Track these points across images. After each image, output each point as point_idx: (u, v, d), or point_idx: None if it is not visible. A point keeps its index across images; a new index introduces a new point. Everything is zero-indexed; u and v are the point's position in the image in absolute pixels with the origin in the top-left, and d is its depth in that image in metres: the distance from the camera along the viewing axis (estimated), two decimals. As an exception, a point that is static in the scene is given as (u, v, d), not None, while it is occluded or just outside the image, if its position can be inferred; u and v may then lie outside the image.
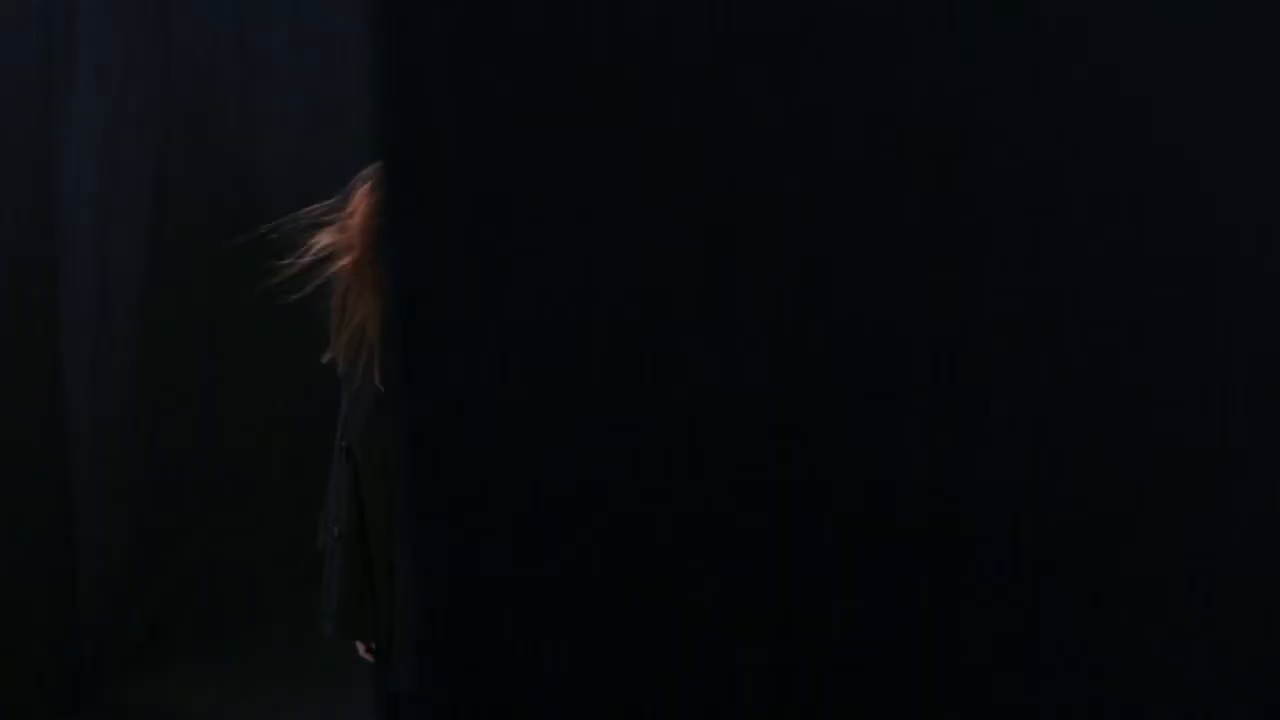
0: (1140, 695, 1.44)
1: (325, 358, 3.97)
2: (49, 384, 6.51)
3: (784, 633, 1.44)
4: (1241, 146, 1.42)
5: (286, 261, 3.95)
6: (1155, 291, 1.43)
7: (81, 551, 6.61)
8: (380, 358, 3.87)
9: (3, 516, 6.13)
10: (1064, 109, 1.42)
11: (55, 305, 6.55)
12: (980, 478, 1.43)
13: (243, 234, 6.41)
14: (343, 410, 3.99)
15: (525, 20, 1.42)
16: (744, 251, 1.43)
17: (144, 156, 6.67)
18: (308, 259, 3.93)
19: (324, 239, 3.93)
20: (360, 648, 4.07)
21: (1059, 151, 1.42)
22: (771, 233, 1.43)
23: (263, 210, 6.36)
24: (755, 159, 1.42)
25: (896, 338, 1.44)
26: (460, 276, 1.46)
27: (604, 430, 1.46)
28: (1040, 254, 1.42)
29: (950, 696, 1.44)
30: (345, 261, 3.91)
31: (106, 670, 6.64)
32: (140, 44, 6.61)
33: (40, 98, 6.45)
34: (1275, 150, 1.42)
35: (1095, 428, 1.43)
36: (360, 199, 3.90)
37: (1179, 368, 1.43)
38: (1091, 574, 1.43)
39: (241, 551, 6.64)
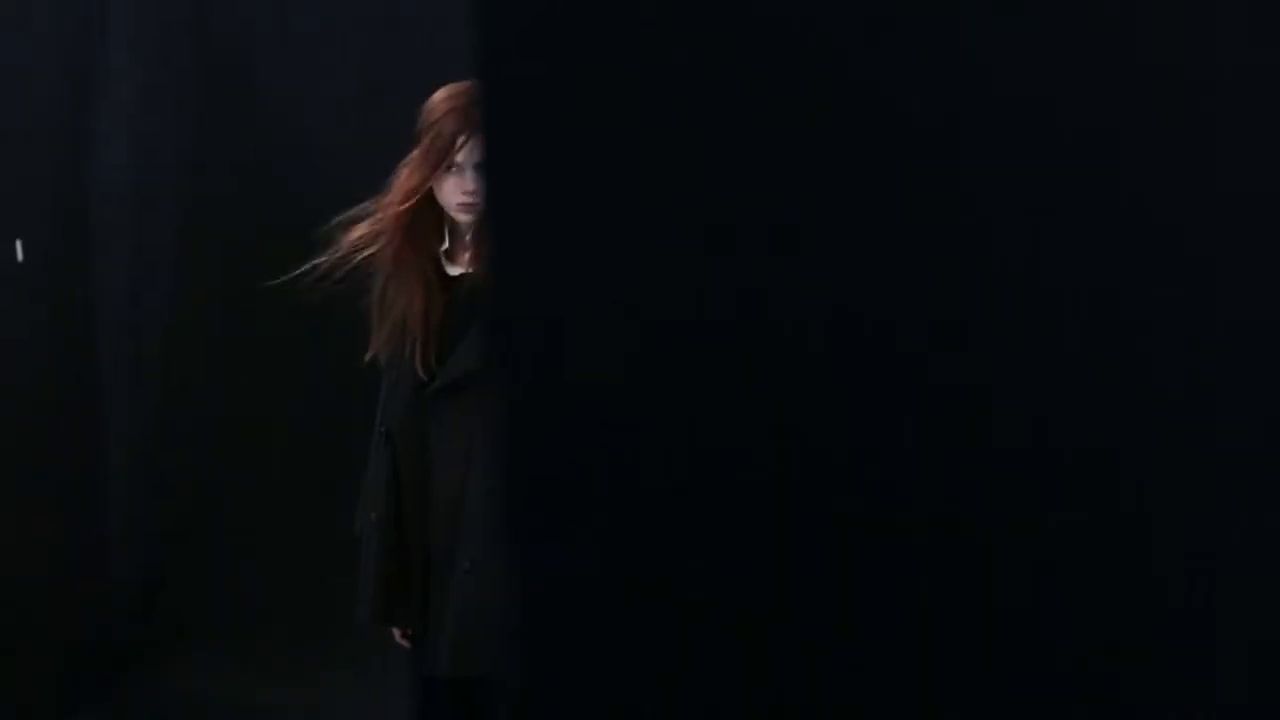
0: (1143, 694, 1.46)
1: (368, 355, 4.01)
2: (81, 376, 6.55)
3: (890, 622, 1.46)
4: (1243, 145, 1.43)
5: (325, 257, 4.00)
6: (1155, 290, 1.44)
7: (111, 541, 6.66)
8: (420, 346, 3.93)
9: (34, 507, 6.15)
10: (1064, 108, 1.43)
11: (87, 292, 6.58)
12: (981, 476, 1.45)
13: (278, 217, 6.46)
14: (382, 397, 4.05)
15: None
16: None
17: (179, 137, 6.67)
18: (346, 250, 3.98)
19: (361, 229, 3.98)
20: (396, 634, 4.11)
21: (1059, 150, 1.44)
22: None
23: (300, 192, 6.41)
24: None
25: (899, 335, 1.46)
26: (560, 258, 1.47)
27: (709, 419, 1.46)
28: (1040, 252, 1.43)
29: (956, 695, 1.47)
30: (385, 251, 3.95)
31: (133, 658, 6.67)
32: (174, 22, 6.61)
33: (74, 81, 6.48)
34: (1276, 148, 1.43)
35: (1096, 427, 1.44)
36: (397, 186, 3.94)
37: (1180, 366, 1.44)
38: (1093, 573, 1.45)
39: (269, 541, 6.65)
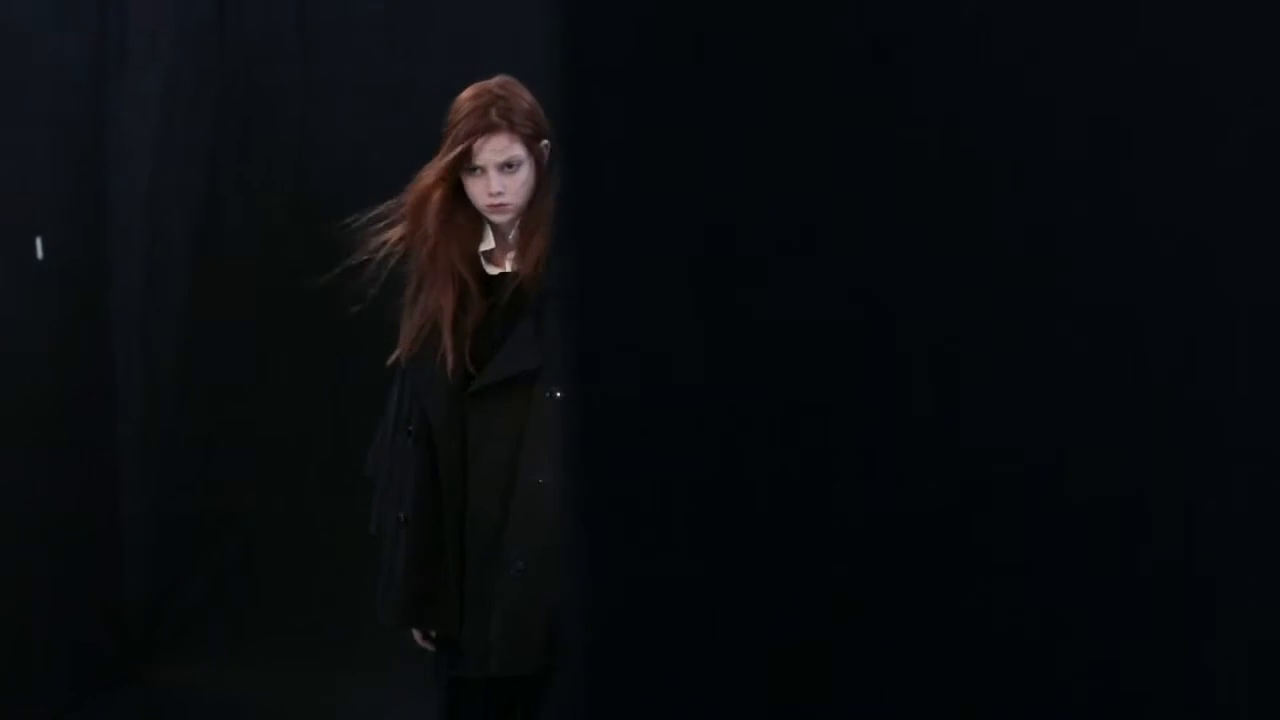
0: (1147, 691, 1.47)
1: (394, 355, 3.99)
2: (96, 377, 6.54)
3: (967, 625, 1.46)
4: (1244, 140, 1.43)
5: (358, 258, 4.01)
6: (1155, 285, 1.44)
7: (126, 536, 6.66)
8: (456, 347, 3.94)
9: (50, 503, 6.14)
10: (1065, 109, 1.43)
11: (104, 294, 6.58)
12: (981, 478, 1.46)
13: (298, 215, 6.47)
14: (399, 396, 4.01)
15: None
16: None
17: (196, 139, 6.67)
18: (381, 254, 3.97)
19: (394, 234, 3.96)
20: (417, 635, 4.05)
21: (1058, 148, 1.44)
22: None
23: (319, 193, 6.41)
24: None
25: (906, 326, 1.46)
26: (635, 268, 1.47)
27: (785, 426, 1.46)
28: (1040, 249, 1.44)
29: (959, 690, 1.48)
30: (421, 252, 3.93)
31: (143, 656, 6.66)
32: (194, 21, 6.62)
33: (92, 84, 6.49)
34: (1277, 145, 1.43)
35: (1096, 425, 1.44)
36: (426, 187, 3.93)
37: (1181, 362, 1.44)
38: (1096, 569, 1.45)
39: (281, 542, 6.65)
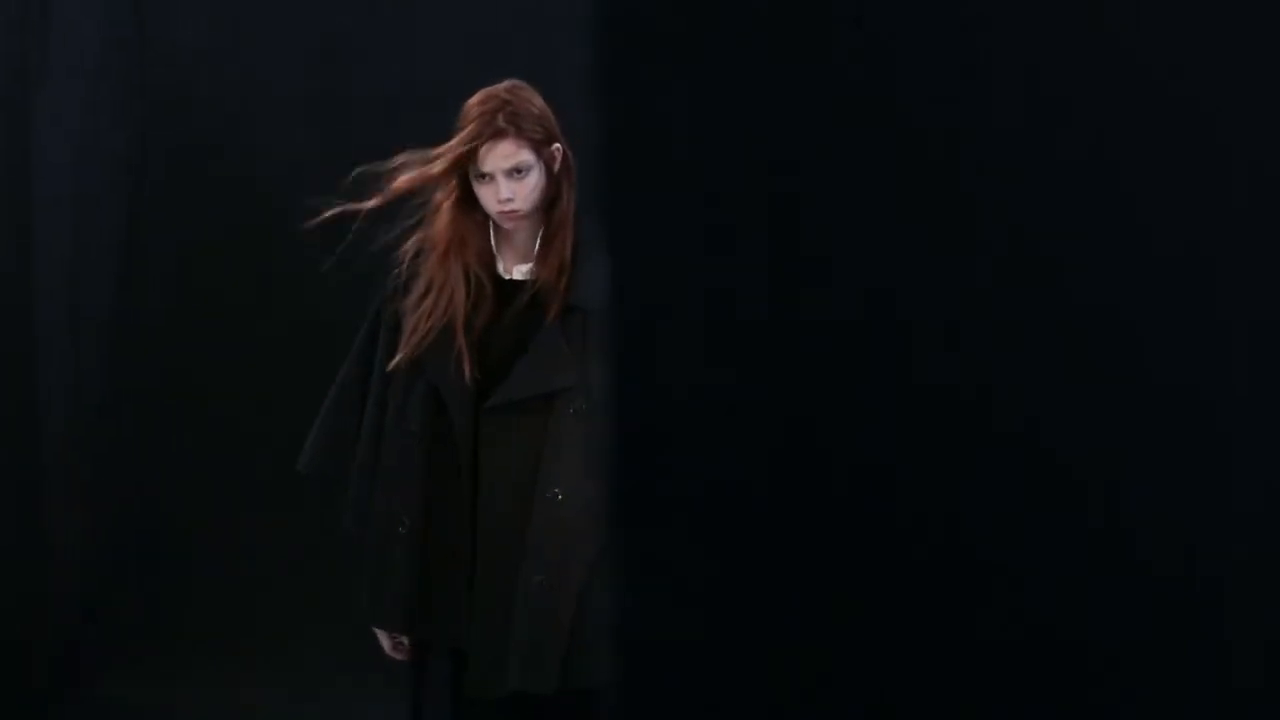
0: (1149, 694, 1.47)
1: (396, 360, 3.96)
2: (21, 383, 6.44)
3: (983, 633, 1.46)
4: (1244, 146, 1.44)
5: (393, 271, 3.99)
6: (1156, 290, 1.45)
7: (50, 551, 6.56)
8: (469, 350, 3.89)
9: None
10: (1064, 112, 1.44)
11: (29, 301, 6.49)
12: (982, 482, 1.46)
13: (225, 224, 6.47)
14: (400, 402, 3.97)
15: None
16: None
17: (120, 143, 6.60)
18: (406, 260, 3.96)
19: (412, 240, 3.96)
20: (389, 645, 4.05)
21: (1059, 154, 1.45)
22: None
23: (247, 199, 6.41)
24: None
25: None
26: (680, 277, 1.46)
27: (824, 432, 1.46)
28: (1040, 253, 1.45)
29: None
30: (430, 254, 3.93)
31: (71, 671, 6.57)
32: (117, 29, 6.54)
33: (14, 88, 6.41)
34: (1276, 150, 1.44)
35: (1096, 428, 1.45)
36: (442, 196, 3.93)
37: (1180, 366, 1.45)
38: (1093, 572, 1.46)
39: (212, 550, 6.60)
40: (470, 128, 3.86)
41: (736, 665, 1.49)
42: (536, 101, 3.92)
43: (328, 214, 3.94)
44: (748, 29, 1.43)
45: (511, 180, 3.85)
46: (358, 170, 3.96)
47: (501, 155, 3.85)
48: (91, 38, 6.54)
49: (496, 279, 3.95)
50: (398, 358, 3.93)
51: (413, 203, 3.97)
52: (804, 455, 1.47)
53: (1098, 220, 1.44)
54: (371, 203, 3.91)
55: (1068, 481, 1.45)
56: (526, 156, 3.86)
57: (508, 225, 3.92)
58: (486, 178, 3.87)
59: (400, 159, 3.92)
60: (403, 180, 3.90)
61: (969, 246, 1.45)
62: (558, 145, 3.90)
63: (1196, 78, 1.44)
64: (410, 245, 3.96)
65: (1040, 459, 1.45)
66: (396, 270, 3.97)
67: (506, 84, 3.95)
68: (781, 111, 1.44)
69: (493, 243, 3.97)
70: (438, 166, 3.88)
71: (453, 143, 3.87)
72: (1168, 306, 1.45)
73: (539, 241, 3.93)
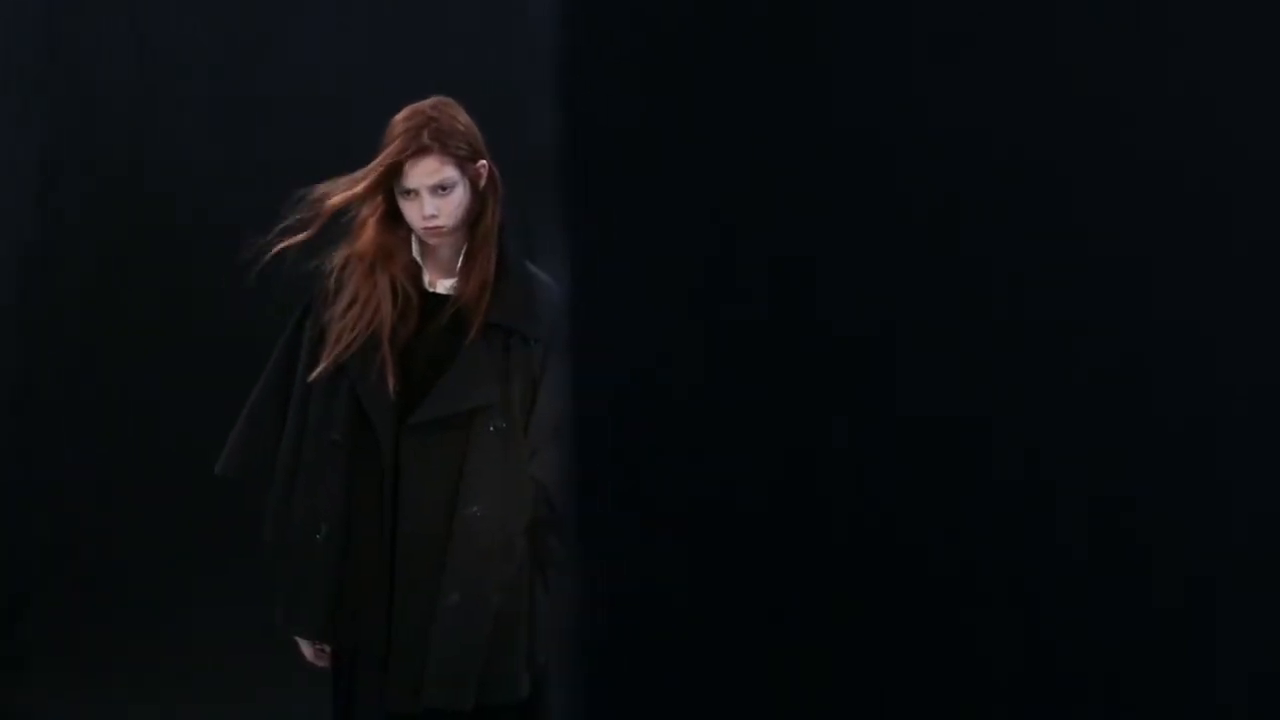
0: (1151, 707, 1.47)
1: (319, 369, 3.96)
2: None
3: (960, 635, 1.46)
4: (1244, 155, 1.44)
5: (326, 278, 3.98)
6: (1156, 302, 1.45)
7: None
8: (393, 361, 3.90)
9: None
10: (1065, 118, 1.45)
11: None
12: (981, 490, 1.47)
13: (134, 228, 6.42)
14: (322, 410, 3.96)
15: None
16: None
17: (34, 153, 6.55)
18: (331, 272, 3.96)
19: (340, 254, 3.97)
20: (310, 652, 4.04)
21: (1058, 161, 1.45)
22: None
23: (157, 203, 6.36)
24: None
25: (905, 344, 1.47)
26: (629, 273, 1.47)
27: (778, 433, 1.47)
28: (1039, 265, 1.45)
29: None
30: (357, 264, 3.94)
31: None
32: (22, 29, 6.47)
33: None
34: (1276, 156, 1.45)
35: (1095, 438, 1.46)
36: (368, 211, 3.93)
37: (1178, 377, 1.45)
38: (1092, 582, 1.46)
39: (126, 557, 6.55)
40: (395, 144, 3.88)
41: (697, 671, 1.48)
42: (462, 118, 3.94)
43: (274, 250, 3.94)
44: (710, 33, 1.43)
45: (436, 196, 3.87)
46: (295, 195, 3.96)
47: (426, 172, 3.87)
48: (2, 46, 6.49)
49: (422, 291, 3.97)
50: (321, 366, 3.94)
51: (340, 220, 3.98)
52: (771, 459, 1.47)
53: (1095, 220, 1.45)
54: (306, 234, 3.93)
55: (1052, 494, 1.46)
56: (451, 173, 3.88)
57: (432, 241, 3.94)
58: (411, 194, 3.89)
59: (322, 188, 3.93)
60: (332, 201, 3.92)
61: (931, 244, 1.45)
62: (483, 162, 3.92)
63: (1188, 82, 1.45)
64: (337, 258, 3.97)
65: (1009, 465, 1.46)
66: (322, 282, 3.97)
67: (432, 100, 3.96)
68: (735, 116, 1.45)
69: (418, 256, 3.98)
70: (364, 183, 3.89)
71: (378, 159, 3.88)
72: (1168, 319, 1.46)
73: (462, 257, 3.96)
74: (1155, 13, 1.45)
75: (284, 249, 3.94)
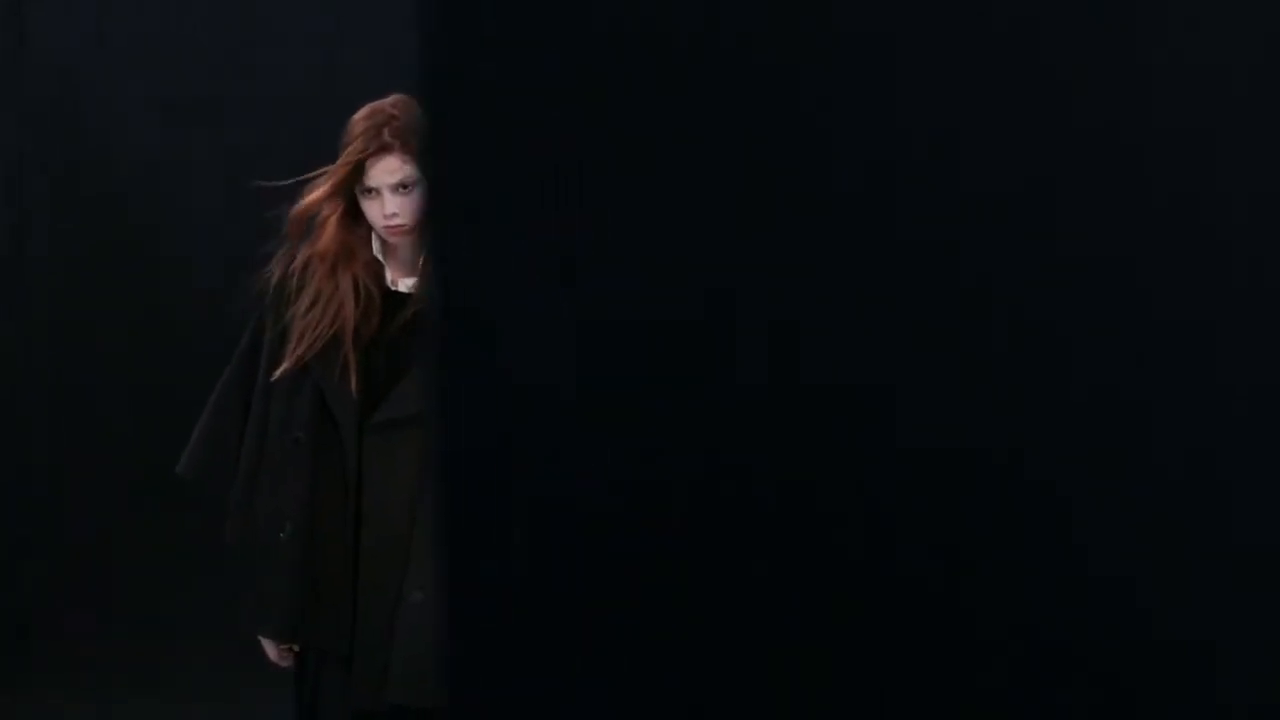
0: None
1: (281, 369, 3.95)
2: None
3: (824, 638, 1.46)
4: (1243, 159, 1.44)
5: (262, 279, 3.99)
6: (1155, 307, 1.45)
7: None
8: (356, 360, 3.89)
9: None
10: (1065, 123, 1.44)
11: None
12: (980, 495, 1.46)
13: (105, 237, 6.40)
14: (285, 408, 3.96)
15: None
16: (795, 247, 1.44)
17: None
18: (296, 273, 3.96)
19: (301, 254, 3.96)
20: (274, 653, 4.04)
21: (1056, 168, 1.45)
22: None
23: (127, 212, 6.35)
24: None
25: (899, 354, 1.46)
26: (501, 275, 1.46)
27: (645, 432, 1.46)
28: (1039, 265, 1.45)
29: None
30: (319, 264, 3.93)
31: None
32: None
33: None
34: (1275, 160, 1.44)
35: (1095, 446, 1.45)
36: (312, 203, 3.93)
37: (1179, 384, 1.45)
38: (1091, 582, 1.46)
39: (97, 561, 6.55)
40: (355, 143, 3.88)
41: (565, 686, 1.48)
42: None
43: (266, 270, 3.97)
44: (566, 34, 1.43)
45: (397, 195, 3.86)
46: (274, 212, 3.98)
47: (387, 170, 3.86)
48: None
49: (385, 290, 3.96)
50: (284, 365, 3.93)
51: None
52: (771, 459, 1.46)
53: (1094, 220, 1.45)
54: (283, 245, 3.96)
55: (1051, 494, 1.45)
56: (412, 171, 3.86)
57: (393, 240, 3.93)
58: (373, 192, 3.88)
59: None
60: (298, 208, 3.92)
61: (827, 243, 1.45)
62: None
63: (1188, 82, 1.45)
64: (298, 258, 3.96)
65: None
66: (284, 282, 3.97)
67: (392, 98, 3.95)
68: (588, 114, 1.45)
69: (379, 255, 3.98)
70: (325, 185, 3.89)
71: (339, 162, 3.88)
72: (1167, 324, 1.45)
73: (424, 256, 3.92)
74: (1157, 11, 1.45)
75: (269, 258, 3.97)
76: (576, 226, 1.46)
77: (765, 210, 1.45)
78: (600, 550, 1.46)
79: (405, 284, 3.96)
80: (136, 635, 6.40)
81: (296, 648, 4.03)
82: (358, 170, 3.87)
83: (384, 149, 3.85)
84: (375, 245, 3.96)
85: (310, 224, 3.95)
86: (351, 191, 3.91)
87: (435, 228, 1.43)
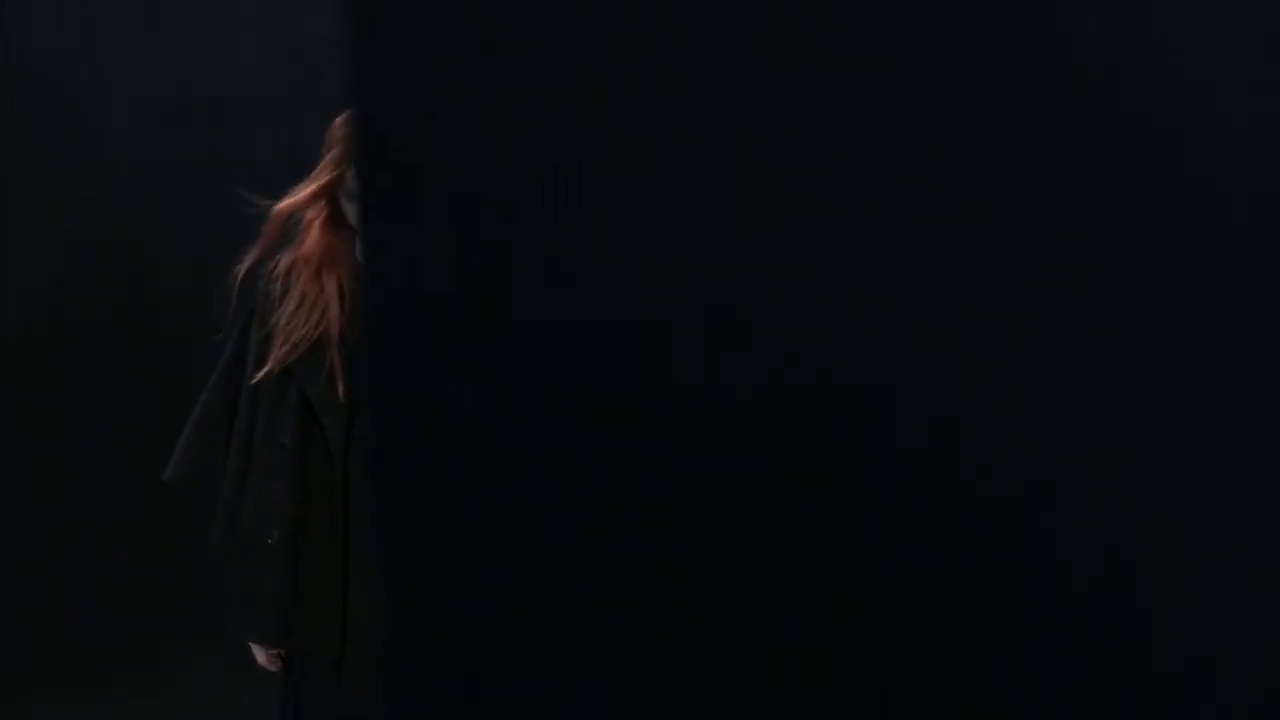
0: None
1: (264, 371, 3.97)
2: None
3: (768, 645, 1.46)
4: (1243, 153, 1.45)
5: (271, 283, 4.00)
6: (1154, 307, 1.46)
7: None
8: (342, 365, 3.89)
9: None
10: (1063, 123, 1.45)
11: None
12: (977, 496, 1.46)
13: (91, 237, 6.40)
14: (270, 413, 3.98)
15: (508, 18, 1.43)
16: (740, 259, 1.44)
17: None
18: (280, 277, 3.98)
19: (285, 257, 3.98)
20: (263, 657, 4.05)
21: (1056, 169, 1.45)
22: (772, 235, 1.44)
23: (114, 212, 6.34)
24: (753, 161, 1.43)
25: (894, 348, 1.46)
26: (439, 280, 1.46)
27: (583, 441, 1.47)
28: (1040, 270, 1.45)
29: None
30: (303, 267, 3.95)
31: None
32: None
33: None
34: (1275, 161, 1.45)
35: (1095, 446, 1.46)
36: (313, 214, 3.94)
37: (1180, 382, 1.46)
38: (1091, 583, 1.46)
39: (92, 558, 6.54)
40: (337, 149, 3.91)
41: (565, 686, 1.49)
42: None
43: (244, 265, 3.98)
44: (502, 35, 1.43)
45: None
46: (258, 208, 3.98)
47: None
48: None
49: None
50: (267, 368, 3.95)
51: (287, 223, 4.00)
52: (638, 468, 1.47)
53: (1095, 221, 1.45)
54: (262, 245, 3.97)
55: (1051, 494, 1.46)
56: None
57: None
58: (355, 197, 3.89)
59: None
60: (279, 207, 3.93)
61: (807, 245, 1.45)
62: None
63: (1187, 81, 1.46)
64: (283, 262, 3.98)
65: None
66: (267, 286, 3.98)
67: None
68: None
69: (362, 258, 3.98)
70: (308, 190, 3.91)
71: (321, 165, 3.89)
72: (1168, 322, 1.46)
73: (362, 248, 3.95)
74: (1157, 11, 1.45)
75: (250, 260, 3.98)
76: (576, 226, 1.46)
77: (765, 211, 1.45)
78: (600, 550, 1.46)
79: None
80: (136, 635, 6.39)
81: (283, 653, 4.04)
82: (340, 177, 3.89)
83: None
84: (359, 249, 3.97)
85: (289, 224, 3.97)
86: (335, 195, 3.94)
87: (369, 240, 1.43)
